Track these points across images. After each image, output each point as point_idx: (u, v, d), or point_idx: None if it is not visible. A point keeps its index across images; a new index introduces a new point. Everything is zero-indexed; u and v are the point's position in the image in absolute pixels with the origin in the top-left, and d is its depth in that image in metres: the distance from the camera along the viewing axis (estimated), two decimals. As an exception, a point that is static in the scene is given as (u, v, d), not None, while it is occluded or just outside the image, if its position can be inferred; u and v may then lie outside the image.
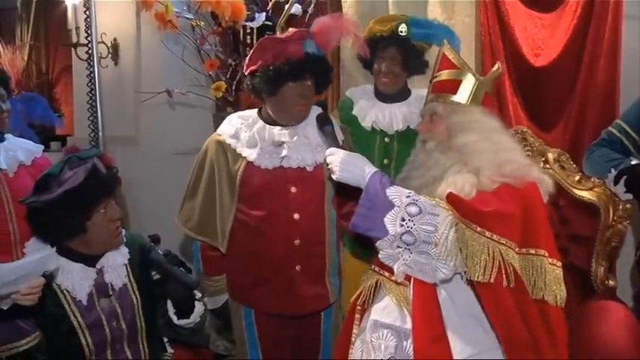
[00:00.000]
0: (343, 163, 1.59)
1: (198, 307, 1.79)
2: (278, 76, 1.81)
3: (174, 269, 1.74)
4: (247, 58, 1.91)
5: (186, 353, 1.98)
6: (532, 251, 1.51)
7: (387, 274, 1.64)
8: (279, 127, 1.93)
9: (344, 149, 1.73)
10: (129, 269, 1.81)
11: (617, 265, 2.11)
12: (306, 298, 1.96)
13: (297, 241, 1.92)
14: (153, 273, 1.85)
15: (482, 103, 1.66)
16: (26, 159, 2.09)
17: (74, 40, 3.34)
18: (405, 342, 1.57)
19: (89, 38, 3.10)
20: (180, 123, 3.32)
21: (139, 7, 2.87)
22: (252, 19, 2.72)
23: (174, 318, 1.78)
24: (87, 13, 3.10)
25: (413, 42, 2.19)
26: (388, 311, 1.62)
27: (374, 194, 1.50)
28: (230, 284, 2.05)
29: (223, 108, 2.88)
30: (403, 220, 1.46)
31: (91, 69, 3.10)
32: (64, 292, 1.70)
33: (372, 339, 1.61)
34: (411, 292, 1.54)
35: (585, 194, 2.07)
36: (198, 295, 1.81)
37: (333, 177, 1.62)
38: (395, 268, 1.51)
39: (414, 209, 1.46)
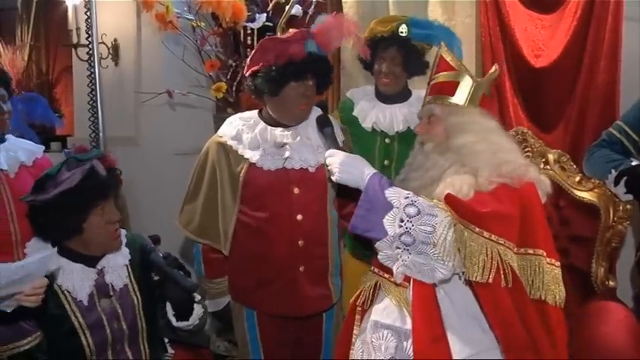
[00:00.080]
0: (343, 165, 1.60)
1: (197, 310, 1.79)
2: (280, 76, 1.81)
3: (173, 272, 1.74)
4: (249, 59, 1.91)
5: (186, 353, 1.98)
6: (530, 251, 1.52)
7: (386, 275, 1.66)
8: (280, 129, 1.94)
9: (344, 150, 1.74)
10: (130, 270, 1.82)
11: (617, 266, 2.11)
12: (310, 298, 1.96)
13: (300, 242, 1.92)
14: (152, 274, 1.85)
15: (480, 105, 1.68)
16: (27, 159, 2.09)
17: (74, 40, 3.34)
18: (405, 342, 1.58)
19: (90, 39, 3.10)
20: (180, 124, 3.32)
21: (140, 8, 2.87)
22: (252, 20, 2.72)
23: (173, 320, 1.78)
24: (87, 13, 3.10)
25: (413, 43, 2.19)
26: (388, 312, 1.64)
27: (373, 195, 1.52)
28: (232, 286, 2.04)
29: (224, 109, 2.89)
30: (402, 221, 1.47)
31: (92, 69, 3.10)
32: (65, 292, 1.70)
33: (373, 339, 1.62)
34: (411, 292, 1.55)
35: (585, 195, 2.07)
36: (198, 297, 1.80)
37: (333, 178, 1.64)
38: (394, 268, 1.52)
39: (412, 210, 1.47)
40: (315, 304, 1.99)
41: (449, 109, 1.66)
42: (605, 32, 2.46)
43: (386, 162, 2.23)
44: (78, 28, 3.30)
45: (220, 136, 1.97)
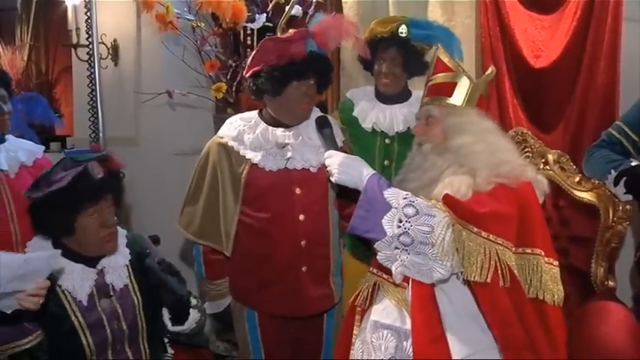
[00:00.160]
0: (342, 166, 1.61)
1: (194, 315, 1.78)
2: (283, 76, 1.82)
3: (167, 279, 1.73)
4: (249, 60, 1.91)
5: (186, 353, 1.98)
6: (528, 250, 1.53)
7: (385, 275, 1.67)
8: (281, 129, 1.94)
9: (344, 151, 1.75)
10: (130, 270, 1.82)
11: (616, 266, 2.11)
12: (312, 299, 1.96)
13: (303, 242, 1.92)
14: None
15: (477, 105, 1.69)
16: (27, 160, 2.10)
17: (74, 40, 3.33)
18: (404, 342, 1.59)
19: (90, 39, 3.09)
20: (180, 124, 3.32)
21: (140, 8, 2.87)
22: (252, 20, 2.72)
23: (169, 324, 1.78)
24: (87, 14, 3.10)
25: (413, 43, 2.19)
26: (388, 312, 1.65)
27: (372, 196, 1.53)
28: (234, 287, 2.04)
29: (224, 109, 2.89)
30: (400, 221, 1.48)
31: (92, 70, 3.09)
32: (65, 292, 1.70)
33: (373, 339, 1.63)
34: (410, 293, 1.56)
35: (585, 195, 2.08)
36: (194, 302, 1.79)
37: (332, 179, 1.65)
38: (393, 269, 1.52)
39: (410, 210, 1.48)
40: (318, 304, 1.99)
41: (446, 110, 1.67)
42: (605, 33, 2.46)
43: (386, 162, 2.23)
44: (78, 29, 3.30)
45: (221, 137, 1.97)
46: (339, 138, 1.96)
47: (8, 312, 1.46)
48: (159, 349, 1.88)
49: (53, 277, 1.63)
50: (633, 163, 1.95)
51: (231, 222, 1.94)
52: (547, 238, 1.58)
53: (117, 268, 1.78)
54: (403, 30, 2.18)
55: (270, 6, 2.79)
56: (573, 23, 2.52)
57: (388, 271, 1.58)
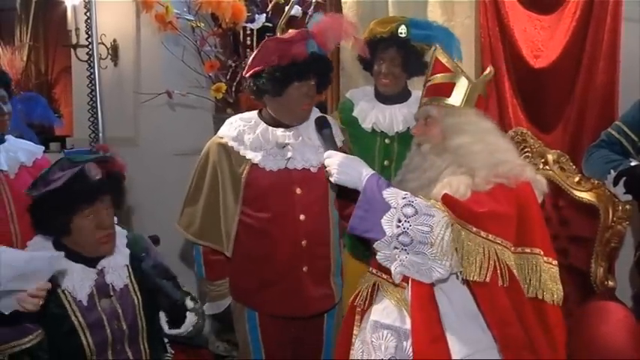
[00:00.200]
0: (341, 166, 1.61)
1: (190, 318, 1.77)
2: (284, 76, 1.82)
3: (162, 283, 1.73)
4: (250, 60, 1.91)
5: (186, 354, 1.98)
6: (527, 250, 1.54)
7: (384, 275, 1.67)
8: (281, 129, 1.94)
9: (344, 151, 1.75)
10: (130, 270, 1.82)
11: (616, 266, 2.12)
12: (313, 298, 1.96)
13: (303, 242, 1.92)
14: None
15: (476, 106, 1.69)
16: (27, 160, 2.09)
17: (74, 41, 3.33)
18: (405, 342, 1.59)
19: (89, 39, 3.09)
20: (179, 124, 3.32)
21: (139, 9, 2.87)
22: (252, 20, 2.72)
23: (165, 327, 1.77)
24: (87, 14, 3.10)
25: (413, 43, 2.19)
26: (388, 312, 1.65)
27: (371, 196, 1.53)
28: (234, 287, 2.04)
29: (223, 109, 2.89)
30: (399, 221, 1.48)
31: (92, 70, 3.09)
32: (65, 292, 1.70)
33: (373, 339, 1.63)
34: (409, 293, 1.56)
35: (585, 195, 2.08)
36: (190, 305, 1.79)
37: (331, 179, 1.65)
38: (392, 269, 1.52)
39: (409, 210, 1.48)
40: (319, 304, 1.99)
41: (445, 110, 1.67)
42: (604, 33, 2.46)
43: (386, 162, 2.23)
44: (77, 29, 3.29)
45: (221, 137, 1.97)
46: (339, 138, 1.96)
47: (6, 312, 1.46)
48: (159, 349, 1.88)
49: (54, 280, 1.63)
50: (633, 163, 1.96)
51: (232, 222, 1.94)
52: (546, 237, 1.59)
53: (117, 268, 1.78)
54: (403, 30, 2.19)
55: (270, 6, 2.79)
56: (573, 23, 2.52)
57: (387, 271, 1.58)
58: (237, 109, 2.73)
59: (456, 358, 1.52)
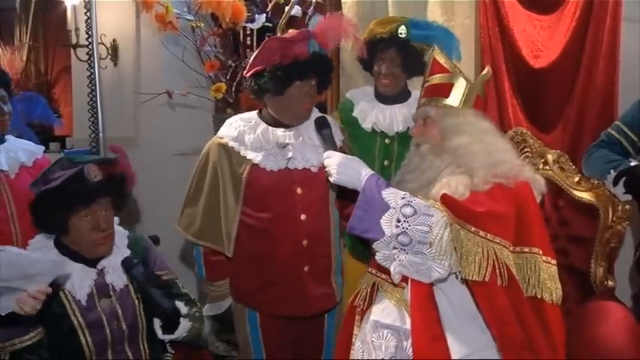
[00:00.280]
0: (340, 166, 1.61)
1: (184, 324, 1.76)
2: (286, 75, 1.82)
3: (151, 291, 1.72)
4: (252, 59, 1.91)
5: (186, 354, 1.98)
6: (526, 249, 1.54)
7: (384, 276, 1.68)
8: (282, 129, 1.94)
9: (343, 151, 1.75)
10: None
11: (616, 266, 2.11)
12: (315, 298, 1.97)
13: (304, 242, 1.93)
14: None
15: (474, 106, 1.69)
16: (27, 160, 2.10)
17: (74, 40, 3.33)
18: (405, 342, 1.59)
19: (89, 39, 3.09)
20: (179, 124, 3.32)
21: (139, 8, 2.87)
22: (252, 20, 2.72)
23: (159, 332, 1.76)
24: (87, 14, 3.10)
25: (412, 43, 2.20)
26: (388, 312, 1.65)
27: (370, 196, 1.53)
28: (235, 288, 2.04)
29: (223, 109, 2.89)
30: (399, 221, 1.48)
31: (91, 70, 3.09)
32: (65, 291, 1.70)
33: (373, 339, 1.63)
34: (409, 293, 1.56)
35: (584, 195, 2.08)
36: (184, 311, 1.78)
37: (330, 179, 1.65)
38: (391, 269, 1.53)
39: (408, 210, 1.48)
40: (320, 303, 1.99)
41: (444, 110, 1.68)
42: (604, 33, 2.46)
43: (386, 162, 2.24)
44: (77, 29, 3.29)
45: (221, 138, 1.97)
46: (338, 138, 1.96)
47: (3, 313, 1.45)
48: (158, 350, 1.88)
49: (57, 284, 1.63)
50: (632, 163, 1.96)
51: (233, 222, 1.94)
52: (545, 236, 1.59)
53: (117, 268, 1.78)
54: (402, 30, 2.19)
55: (270, 6, 2.79)
56: (572, 23, 2.52)
57: (387, 271, 1.59)
58: (237, 109, 2.73)
59: (456, 357, 1.52)
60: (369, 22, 2.38)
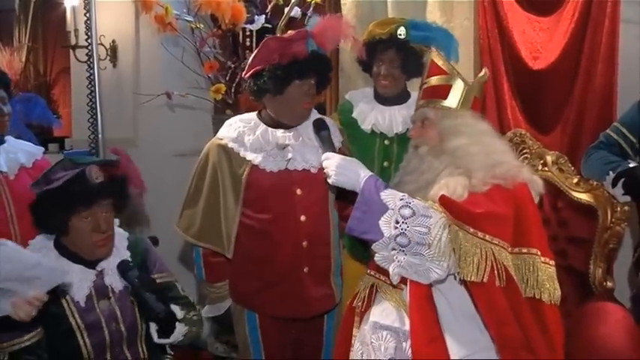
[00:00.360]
0: (339, 168, 1.62)
1: (180, 328, 1.75)
2: (285, 75, 1.83)
3: (145, 295, 1.71)
4: (251, 59, 1.92)
5: (186, 355, 1.98)
6: (524, 250, 1.54)
7: (383, 277, 1.68)
8: (281, 130, 1.95)
9: (343, 152, 1.76)
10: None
11: (614, 267, 2.12)
12: (314, 299, 1.97)
13: (304, 243, 1.93)
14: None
15: (472, 107, 1.70)
16: (27, 161, 2.09)
17: (73, 41, 3.33)
18: (404, 343, 1.60)
19: (89, 40, 3.09)
20: (179, 125, 3.32)
21: (139, 9, 2.87)
22: (251, 21, 2.72)
23: (155, 336, 1.75)
24: (86, 15, 3.10)
25: (412, 45, 2.20)
26: (387, 313, 1.66)
27: (369, 198, 1.53)
28: (234, 289, 2.04)
29: (222, 110, 2.89)
30: (397, 222, 1.48)
31: (91, 71, 3.09)
32: (64, 292, 1.69)
33: (372, 340, 1.64)
34: (408, 294, 1.56)
35: (583, 196, 2.08)
36: (180, 315, 1.77)
37: (329, 181, 1.65)
38: (390, 270, 1.53)
39: (407, 211, 1.49)
40: (320, 304, 2.00)
41: (442, 112, 1.68)
42: (603, 34, 2.47)
43: (385, 163, 2.24)
44: (76, 30, 3.30)
45: (220, 139, 1.97)
46: (337, 139, 1.97)
47: None
48: (157, 351, 1.88)
49: (62, 291, 1.64)
50: (631, 165, 1.96)
51: (232, 224, 1.94)
52: (543, 237, 1.60)
53: (116, 270, 1.77)
54: (402, 32, 2.19)
55: (269, 7, 2.79)
56: (571, 25, 2.53)
57: (386, 273, 1.59)
58: (237, 110, 2.73)
59: (455, 358, 1.53)
60: (368, 23, 2.38)
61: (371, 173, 1.60)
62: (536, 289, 1.53)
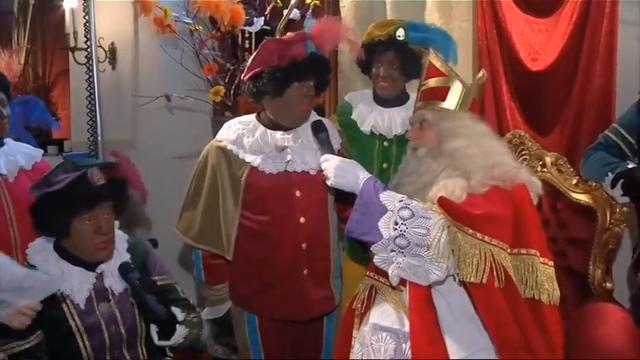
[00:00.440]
0: (338, 169, 1.62)
1: (180, 331, 1.76)
2: (284, 76, 1.83)
3: (146, 297, 1.72)
4: (250, 61, 1.92)
5: (185, 357, 1.98)
6: (523, 251, 1.54)
7: (382, 279, 1.68)
8: (280, 132, 1.95)
9: (342, 154, 1.76)
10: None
11: (614, 268, 2.12)
12: (314, 301, 1.97)
13: (304, 245, 1.93)
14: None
15: (470, 109, 1.70)
16: (26, 163, 2.09)
17: (72, 44, 3.33)
18: (404, 345, 1.60)
19: (88, 42, 3.09)
20: (178, 127, 3.32)
21: (138, 12, 2.87)
22: (250, 23, 2.73)
23: (155, 338, 1.76)
24: (86, 17, 3.10)
25: (411, 46, 2.20)
26: (387, 314, 1.67)
27: (368, 199, 1.53)
28: (234, 291, 2.04)
29: (221, 112, 2.89)
30: (396, 223, 1.48)
31: (90, 73, 3.09)
32: (63, 294, 1.70)
33: (372, 341, 1.64)
34: (407, 295, 1.57)
35: (582, 197, 2.08)
36: (180, 317, 1.77)
37: (328, 183, 1.65)
38: (389, 271, 1.53)
39: (406, 213, 1.49)
40: (319, 306, 2.00)
41: (440, 114, 1.68)
42: (601, 36, 2.48)
43: (384, 165, 2.24)
44: (75, 32, 3.29)
45: (220, 141, 1.97)
46: (336, 141, 1.97)
47: None
48: (157, 353, 1.87)
49: (60, 295, 1.65)
50: (630, 166, 1.97)
51: (232, 226, 1.94)
52: (542, 238, 1.60)
53: (116, 272, 1.77)
54: (401, 33, 2.20)
55: (268, 9, 2.80)
56: (570, 26, 2.54)
57: (385, 275, 1.59)
58: (236, 112, 2.74)
59: (454, 359, 1.53)
60: (367, 24, 2.39)
61: (370, 175, 1.60)
62: (535, 289, 1.53)
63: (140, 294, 1.72)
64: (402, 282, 1.57)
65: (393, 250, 1.50)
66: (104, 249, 1.73)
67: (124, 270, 1.76)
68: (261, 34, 2.75)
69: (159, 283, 1.83)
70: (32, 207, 1.69)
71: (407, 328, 1.58)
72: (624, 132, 2.06)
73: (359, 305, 1.74)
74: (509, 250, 1.51)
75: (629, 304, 2.08)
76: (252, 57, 1.93)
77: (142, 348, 1.81)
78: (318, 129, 1.87)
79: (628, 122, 2.07)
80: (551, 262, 1.57)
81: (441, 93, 1.69)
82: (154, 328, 1.76)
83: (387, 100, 2.28)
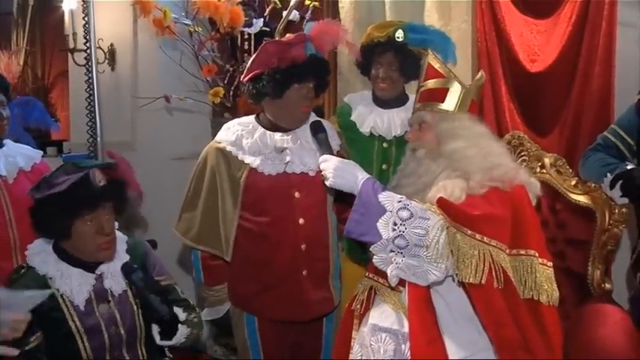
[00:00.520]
0: (336, 170, 1.62)
1: (182, 330, 1.76)
2: (284, 78, 1.83)
3: (150, 297, 1.72)
4: (250, 63, 1.92)
5: (185, 358, 1.98)
6: (522, 252, 1.55)
7: (381, 280, 1.69)
8: (280, 133, 1.95)
9: (341, 155, 1.76)
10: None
11: (613, 269, 2.12)
12: (313, 302, 1.97)
13: (303, 246, 1.93)
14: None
15: (469, 110, 1.70)
16: (26, 165, 2.09)
17: (71, 45, 3.33)
18: (403, 345, 1.61)
19: (87, 44, 3.09)
20: (177, 128, 3.32)
21: (137, 13, 2.88)
22: (249, 25, 2.74)
23: (157, 338, 1.76)
24: (85, 18, 3.10)
25: (410, 47, 2.21)
26: (386, 315, 1.67)
27: (367, 200, 1.53)
28: (233, 292, 2.04)
29: (221, 113, 2.89)
30: (395, 224, 1.48)
31: (89, 74, 3.09)
32: (63, 296, 1.70)
33: (371, 342, 1.64)
34: (406, 296, 1.57)
35: (581, 198, 2.08)
36: (182, 317, 1.77)
37: (327, 183, 1.65)
38: (388, 272, 1.53)
39: (405, 213, 1.49)
40: (318, 307, 2.00)
41: (439, 115, 1.68)
42: (600, 37, 2.48)
43: (384, 166, 2.25)
44: (74, 33, 3.29)
45: (219, 142, 1.98)
46: (335, 142, 1.97)
47: None
48: (157, 354, 1.87)
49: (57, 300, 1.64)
50: (629, 167, 1.97)
51: (231, 227, 1.94)
52: (541, 239, 1.60)
53: (116, 273, 1.77)
54: (400, 34, 2.20)
55: (267, 11, 2.81)
56: (568, 28, 2.54)
57: (384, 275, 1.59)
58: (235, 113, 2.74)
59: (454, 359, 1.53)
60: (366, 25, 2.39)
61: (368, 175, 1.60)
62: (534, 290, 1.53)
63: (143, 294, 1.73)
64: (401, 283, 1.57)
65: (392, 251, 1.50)
66: (107, 249, 1.73)
67: (126, 270, 1.76)
68: (260, 36, 2.76)
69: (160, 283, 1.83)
70: (32, 208, 1.69)
71: (406, 329, 1.58)
72: (623, 133, 2.06)
73: (358, 306, 1.74)
74: (508, 251, 1.51)
75: (628, 305, 2.08)
76: (251, 59, 1.93)
77: (141, 348, 1.81)
78: (317, 129, 1.87)
79: (627, 123, 2.07)
80: (550, 263, 1.57)
81: (440, 94, 1.69)
82: (155, 328, 1.76)
83: (386, 101, 2.28)
